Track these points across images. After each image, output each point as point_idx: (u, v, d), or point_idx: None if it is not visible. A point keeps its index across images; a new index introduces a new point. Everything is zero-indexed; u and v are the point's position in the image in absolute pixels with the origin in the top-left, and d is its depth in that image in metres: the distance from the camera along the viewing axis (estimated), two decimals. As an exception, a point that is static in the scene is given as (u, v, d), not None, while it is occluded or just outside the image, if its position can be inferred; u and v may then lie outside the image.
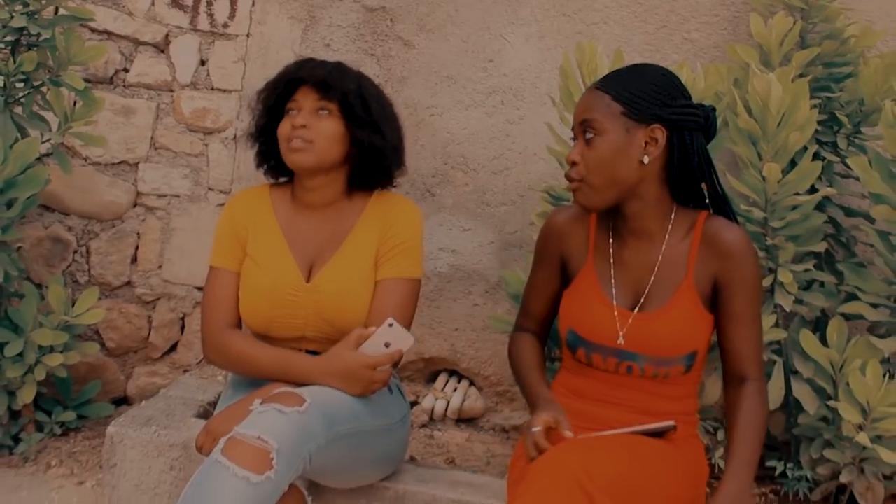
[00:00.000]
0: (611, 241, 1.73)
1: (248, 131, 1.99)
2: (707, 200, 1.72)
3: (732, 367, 1.68)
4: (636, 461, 1.51)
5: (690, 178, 1.69)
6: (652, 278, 1.68)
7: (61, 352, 2.30)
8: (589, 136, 1.63)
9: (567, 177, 1.67)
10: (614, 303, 1.69)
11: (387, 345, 1.66)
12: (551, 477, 1.42)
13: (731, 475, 1.56)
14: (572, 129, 1.70)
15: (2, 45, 2.30)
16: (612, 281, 1.71)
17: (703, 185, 1.71)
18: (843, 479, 1.92)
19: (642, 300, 1.68)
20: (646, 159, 1.62)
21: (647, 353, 1.65)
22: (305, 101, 1.86)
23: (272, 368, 1.76)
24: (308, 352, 1.83)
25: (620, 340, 1.67)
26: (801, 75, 2.04)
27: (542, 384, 1.75)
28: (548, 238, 1.80)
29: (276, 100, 1.90)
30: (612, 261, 1.72)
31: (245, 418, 1.56)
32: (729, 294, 1.66)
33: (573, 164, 1.65)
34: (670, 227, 1.70)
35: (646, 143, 1.62)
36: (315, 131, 1.84)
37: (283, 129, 1.86)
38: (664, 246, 1.69)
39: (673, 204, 1.71)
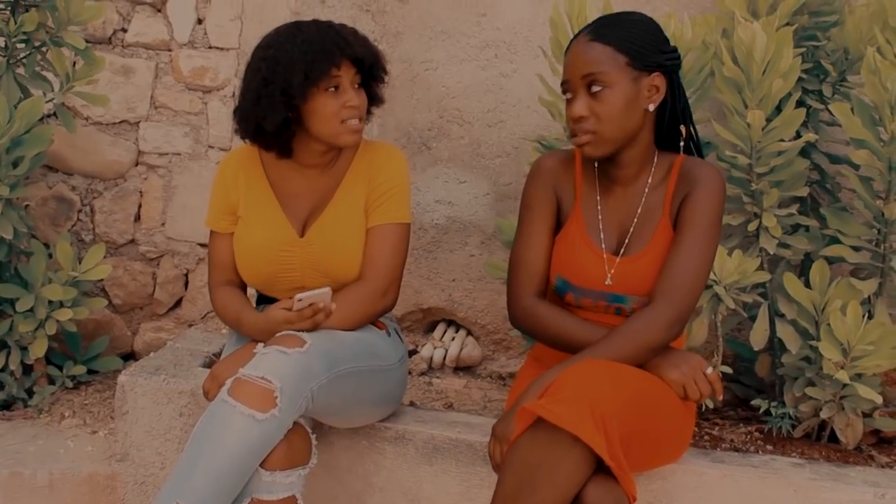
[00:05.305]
0: (597, 188, 1.77)
1: (274, 105, 1.78)
2: (682, 143, 1.75)
3: (653, 287, 1.68)
4: (638, 393, 1.56)
5: (673, 122, 1.74)
6: (635, 221, 1.73)
7: (70, 307, 2.34)
8: (596, 89, 1.62)
9: (574, 132, 1.66)
10: (602, 248, 1.74)
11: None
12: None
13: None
14: (564, 83, 1.68)
15: (2, 6, 2.31)
16: (601, 227, 1.76)
17: (682, 128, 1.74)
18: (824, 415, 1.98)
19: (626, 243, 1.73)
20: (651, 107, 1.66)
21: (635, 293, 1.71)
22: (347, 77, 1.81)
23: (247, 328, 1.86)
24: None
25: (608, 282, 1.72)
26: (787, 24, 2.07)
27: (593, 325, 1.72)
28: (542, 182, 1.79)
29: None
30: (598, 208, 1.77)
31: (249, 361, 1.62)
32: (681, 220, 1.68)
33: (580, 119, 1.64)
34: (653, 170, 1.75)
35: (648, 91, 1.65)
36: (362, 109, 1.85)
37: (332, 107, 1.80)
38: (647, 189, 1.74)
39: (655, 148, 1.76)
